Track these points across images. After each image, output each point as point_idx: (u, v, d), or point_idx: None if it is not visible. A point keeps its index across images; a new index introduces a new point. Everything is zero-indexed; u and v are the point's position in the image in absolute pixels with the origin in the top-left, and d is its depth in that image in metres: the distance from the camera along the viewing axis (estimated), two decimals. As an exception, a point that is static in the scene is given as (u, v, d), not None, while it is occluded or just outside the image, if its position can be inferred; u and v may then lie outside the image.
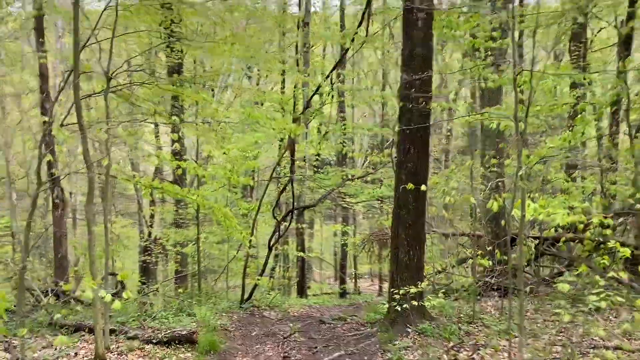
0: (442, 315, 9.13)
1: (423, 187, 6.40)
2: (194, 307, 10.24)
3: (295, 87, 10.56)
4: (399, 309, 7.59)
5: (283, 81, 18.34)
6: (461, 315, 9.34)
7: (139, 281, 21.64)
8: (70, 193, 29.09)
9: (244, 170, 12.22)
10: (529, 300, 10.92)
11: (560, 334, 7.99)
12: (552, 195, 17.53)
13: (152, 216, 22.20)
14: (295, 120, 10.14)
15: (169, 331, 7.94)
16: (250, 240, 11.30)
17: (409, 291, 7.44)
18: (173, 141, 15.57)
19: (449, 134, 25.29)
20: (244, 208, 12.00)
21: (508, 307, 10.11)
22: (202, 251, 16.24)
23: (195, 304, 11.21)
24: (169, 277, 19.09)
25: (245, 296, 12.59)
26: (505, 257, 12.71)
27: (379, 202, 22.95)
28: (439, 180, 6.06)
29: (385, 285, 28.72)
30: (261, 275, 12.39)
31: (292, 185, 12.08)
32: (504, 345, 7.29)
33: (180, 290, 15.21)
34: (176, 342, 7.83)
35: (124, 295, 5.68)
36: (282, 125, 8.90)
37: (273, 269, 21.42)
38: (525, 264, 13.12)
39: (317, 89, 10.07)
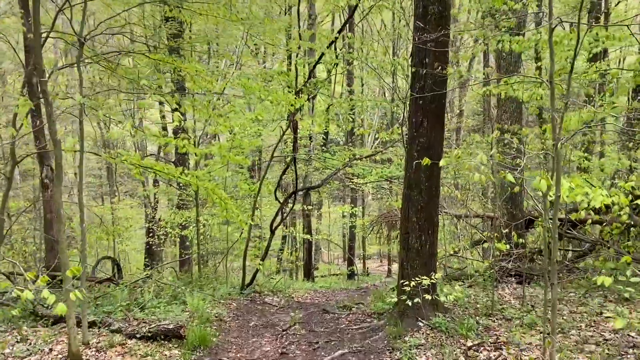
0: (457, 305, 8.17)
1: (441, 162, 5.36)
2: (188, 296, 9.35)
3: (297, 57, 9.52)
4: (410, 303, 6.63)
5: (289, 57, 17.27)
6: (478, 305, 8.37)
7: (145, 263, 20.94)
8: (75, 174, 28.36)
9: (245, 149, 11.24)
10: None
11: (591, 329, 6.99)
12: (569, 174, 16.42)
13: (155, 197, 21.38)
14: (297, 93, 9.13)
15: (154, 325, 7.03)
16: (250, 224, 10.37)
17: (421, 282, 6.47)
18: (174, 119, 14.66)
19: (460, 111, 24.06)
20: (245, 189, 11.04)
21: (529, 296, 9.16)
22: (203, 233, 15.36)
23: (191, 291, 10.33)
24: (172, 260, 18.22)
25: (247, 281, 11.71)
26: (522, 240, 11.74)
27: (389, 182, 21.96)
28: (455, 155, 5.09)
29: (395, 267, 27.81)
30: (263, 259, 11.48)
31: (294, 165, 11.10)
32: (529, 344, 6.32)
33: (181, 274, 14.38)
34: (162, 336, 6.93)
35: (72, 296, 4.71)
36: (282, 98, 7.91)
37: (281, 250, 20.56)
38: (543, 247, 12.09)
39: (321, 57, 9.01)
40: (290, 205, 11.83)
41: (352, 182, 17.13)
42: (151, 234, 19.56)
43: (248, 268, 16.16)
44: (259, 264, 11.12)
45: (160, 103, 17.99)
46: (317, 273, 23.55)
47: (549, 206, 5.68)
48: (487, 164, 13.67)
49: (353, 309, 9.13)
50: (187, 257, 15.07)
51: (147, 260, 20.61)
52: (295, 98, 8.11)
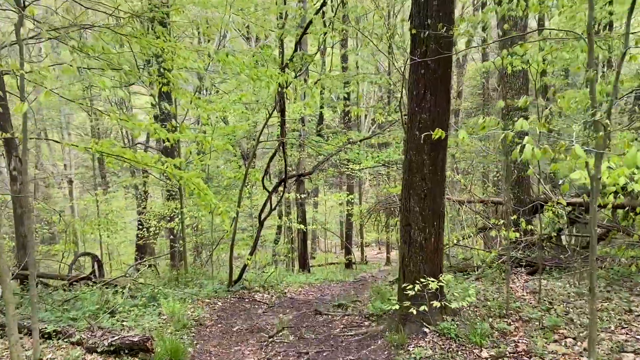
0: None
1: (461, 134, 4.23)
2: (163, 300, 8.28)
3: (283, 28, 8.33)
4: (414, 311, 5.58)
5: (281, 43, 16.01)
6: (489, 303, 7.31)
7: (135, 257, 19.88)
8: (65, 165, 27.21)
9: (237, 135, 10.12)
10: (565, 279, 8.89)
11: (623, 330, 5.94)
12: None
13: (145, 188, 20.25)
14: (283, 68, 8.02)
15: (117, 337, 5.96)
16: (234, 216, 9.28)
17: (427, 285, 5.40)
18: (152, 104, 13.51)
19: (458, 92, 22.91)
20: (230, 177, 9.94)
21: (544, 289, 8.12)
22: (190, 225, 14.28)
23: (173, 290, 9.28)
24: (157, 255, 17.16)
25: (235, 277, 10.66)
26: (531, 227, 10.68)
27: (386, 168, 20.89)
28: (481, 125, 4.06)
29: (394, 254, 26.78)
30: (252, 253, 10.42)
31: (283, 150, 9.99)
32: (553, 353, 5.26)
33: (166, 269, 13.35)
34: (126, 350, 5.87)
35: None
36: (264, 73, 6.79)
37: (276, 242, 19.50)
38: (555, 234, 11.04)
39: (309, 24, 7.84)
40: (280, 194, 10.71)
41: (348, 169, 16.04)
42: (140, 227, 18.53)
43: (238, 261, 15.14)
44: (247, 259, 10.05)
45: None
46: (314, 262, 22.55)
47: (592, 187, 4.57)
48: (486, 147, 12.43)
49: (349, 308, 8.08)
50: (173, 250, 14.01)
51: (137, 254, 19.57)
52: (280, 74, 6.97)
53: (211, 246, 16.55)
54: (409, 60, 5.87)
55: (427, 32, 5.52)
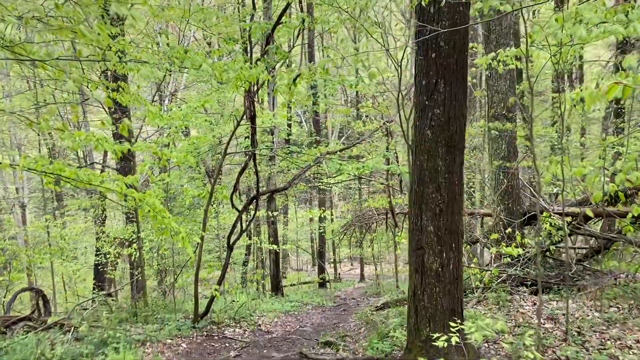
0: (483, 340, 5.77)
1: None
2: (120, 340, 6.68)
3: (252, 21, 6.98)
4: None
5: (249, 51, 14.54)
6: (506, 336, 6.00)
7: (94, 286, 17.91)
8: (17, 189, 24.95)
9: (191, 144, 8.62)
10: (578, 299, 7.69)
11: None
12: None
13: (103, 211, 18.34)
14: (252, 62, 6.63)
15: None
16: (199, 242, 7.78)
17: (450, 339, 4.01)
18: (114, 119, 11.84)
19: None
20: (190, 195, 8.42)
21: (561, 313, 6.90)
22: (149, 252, 12.60)
23: (123, 335, 7.65)
24: (121, 284, 15.34)
25: (202, 310, 9.09)
26: (528, 240, 9.49)
27: (360, 180, 19.61)
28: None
29: (368, 270, 25.43)
30: (220, 282, 8.89)
31: (254, 162, 8.54)
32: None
33: (117, 302, 11.64)
34: None
35: None
36: (234, 66, 5.41)
37: (245, 263, 17.88)
38: (554, 247, 9.90)
39: (284, 11, 6.48)
40: (251, 212, 9.24)
41: (322, 183, 14.66)
42: (97, 253, 16.67)
43: (205, 285, 13.54)
44: (215, 289, 8.51)
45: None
46: (285, 282, 21.00)
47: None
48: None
49: (339, 348, 6.62)
50: (132, 280, 12.30)
51: (95, 282, 17.62)
52: (250, 67, 5.58)
53: (174, 273, 14.88)
54: (410, 42, 4.54)
55: (441, 2, 4.22)
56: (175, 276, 10.37)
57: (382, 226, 16.08)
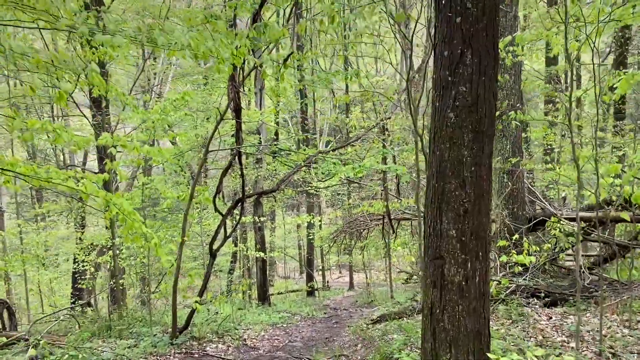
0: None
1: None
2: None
3: None
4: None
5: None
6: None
7: (71, 296, 16.75)
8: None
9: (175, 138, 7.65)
10: (597, 312, 6.83)
11: None
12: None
13: (82, 217, 17.21)
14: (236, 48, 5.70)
15: None
16: (176, 251, 6.81)
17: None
18: (93, 115, 10.82)
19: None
20: (169, 197, 7.45)
21: (585, 331, 6.03)
22: (126, 259, 11.56)
23: (88, 356, 6.62)
24: (98, 294, 14.25)
25: (181, 324, 8.09)
26: (537, 248, 8.63)
27: (349, 185, 18.68)
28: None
29: (357, 277, 24.47)
30: (202, 294, 7.91)
31: (239, 162, 7.60)
32: None
33: (91, 314, 10.56)
34: None
35: None
36: (216, 28, 4.51)
37: (230, 271, 16.85)
38: (562, 252, 9.08)
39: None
40: (237, 217, 8.28)
41: (312, 187, 13.74)
42: (75, 261, 15.55)
43: (189, 293, 12.51)
44: (196, 302, 7.52)
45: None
46: (273, 290, 19.97)
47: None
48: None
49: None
50: (110, 288, 11.25)
51: (74, 293, 16.46)
52: (236, 51, 4.67)
53: (151, 282, 13.83)
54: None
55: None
56: (154, 286, 9.35)
57: (374, 233, 15.18)
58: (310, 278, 19.16)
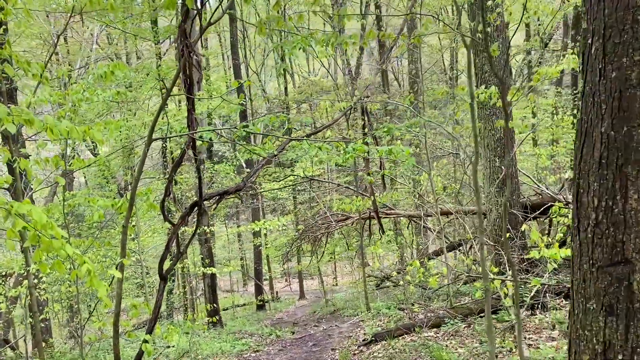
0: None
1: None
2: None
3: None
4: None
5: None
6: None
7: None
8: None
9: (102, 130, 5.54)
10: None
11: None
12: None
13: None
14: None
15: None
16: (118, 277, 4.73)
17: None
18: None
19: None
20: (102, 205, 5.35)
21: None
22: (48, 285, 9.13)
23: None
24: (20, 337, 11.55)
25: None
26: (547, 238, 7.28)
27: (292, 187, 16.89)
28: None
29: (307, 285, 22.62)
30: (151, 330, 5.80)
31: (194, 152, 5.62)
32: None
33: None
34: None
35: None
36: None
37: (171, 291, 14.52)
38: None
39: None
40: (192, 226, 6.26)
41: (262, 189, 11.83)
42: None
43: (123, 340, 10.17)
44: (145, 341, 5.43)
45: None
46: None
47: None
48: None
49: None
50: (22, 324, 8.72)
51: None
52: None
53: (87, 307, 11.39)
54: None
55: None
56: (85, 314, 7.12)
57: (337, 236, 13.52)
58: (259, 290, 17.13)
